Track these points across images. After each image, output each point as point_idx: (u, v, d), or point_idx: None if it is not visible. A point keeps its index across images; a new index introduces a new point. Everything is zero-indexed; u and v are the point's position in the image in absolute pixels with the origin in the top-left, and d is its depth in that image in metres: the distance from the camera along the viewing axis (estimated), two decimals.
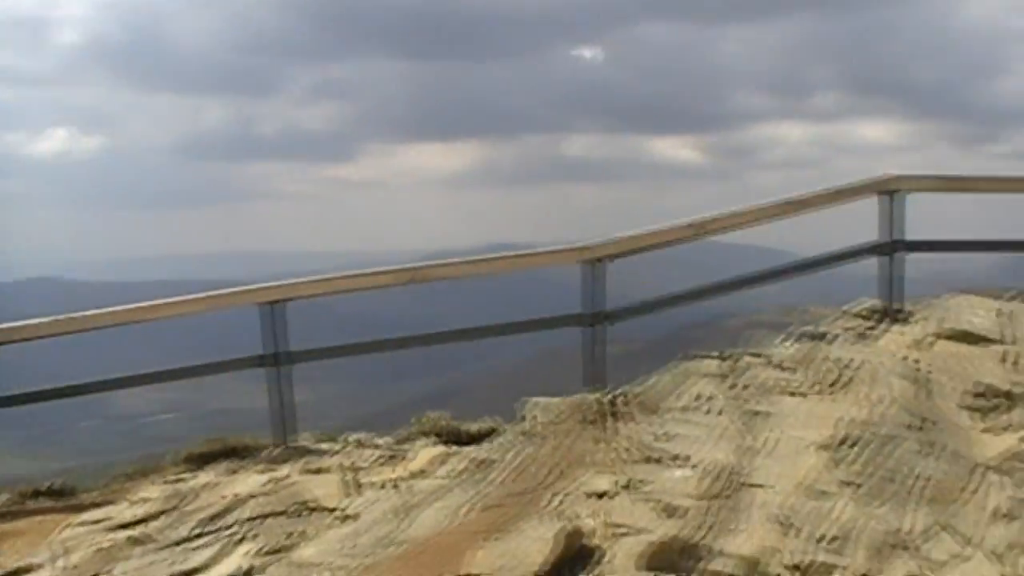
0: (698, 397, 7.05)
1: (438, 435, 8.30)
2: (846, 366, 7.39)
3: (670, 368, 7.86)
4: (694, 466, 5.92)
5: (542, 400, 7.22)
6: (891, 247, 8.71)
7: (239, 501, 6.70)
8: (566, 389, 8.66)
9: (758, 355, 8.23)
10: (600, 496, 5.66)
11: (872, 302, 9.20)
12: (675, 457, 6.09)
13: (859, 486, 5.63)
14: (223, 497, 6.87)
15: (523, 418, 7.12)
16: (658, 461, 6.08)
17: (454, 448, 7.71)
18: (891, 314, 8.71)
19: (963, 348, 7.67)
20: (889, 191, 8.59)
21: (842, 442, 6.02)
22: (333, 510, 6.36)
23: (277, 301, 7.99)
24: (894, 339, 8.24)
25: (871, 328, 8.61)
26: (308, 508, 6.47)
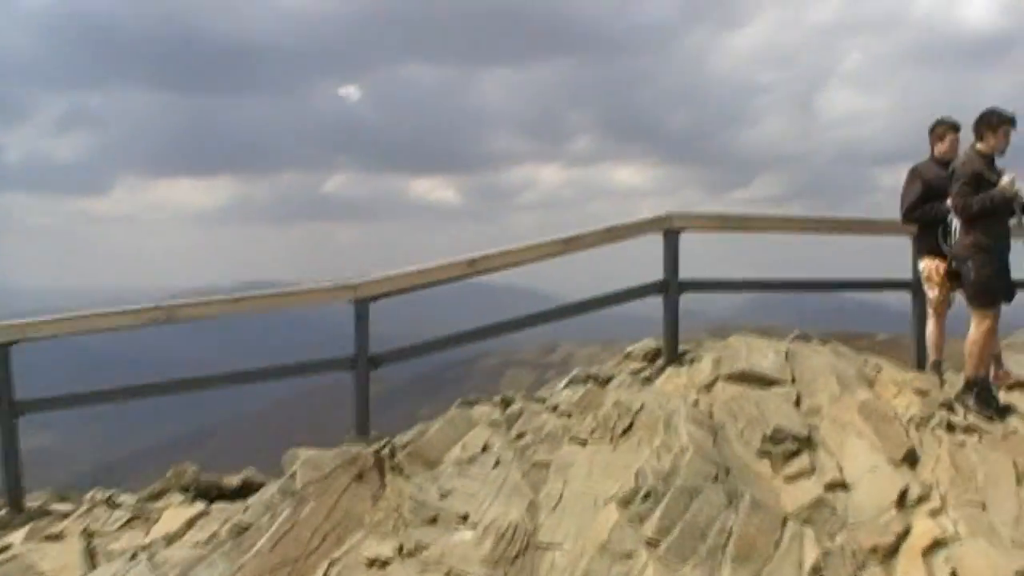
0: (479, 448, 6.56)
1: (189, 489, 7.53)
2: (630, 410, 7.05)
3: (445, 415, 7.38)
4: (478, 526, 5.42)
5: (307, 452, 6.60)
6: (670, 286, 8.46)
7: None
8: (330, 431, 8.05)
9: (539, 400, 7.86)
10: (378, 564, 5.08)
11: (651, 343, 8.98)
12: (458, 516, 5.57)
13: (663, 544, 5.20)
14: None
15: (286, 472, 6.52)
16: (439, 522, 5.54)
17: (208, 506, 6.97)
18: (671, 355, 8.47)
19: (749, 391, 7.43)
20: (670, 229, 8.35)
21: (638, 495, 5.58)
22: None
23: (4, 344, 7.06)
24: (677, 381, 7.98)
25: (653, 371, 8.36)
26: None
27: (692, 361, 8.30)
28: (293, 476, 5.96)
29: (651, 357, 8.79)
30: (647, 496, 5.53)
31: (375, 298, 7.62)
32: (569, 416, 7.25)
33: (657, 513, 5.40)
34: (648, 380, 8.13)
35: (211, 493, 7.54)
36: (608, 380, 8.20)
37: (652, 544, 5.20)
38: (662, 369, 8.34)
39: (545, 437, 6.83)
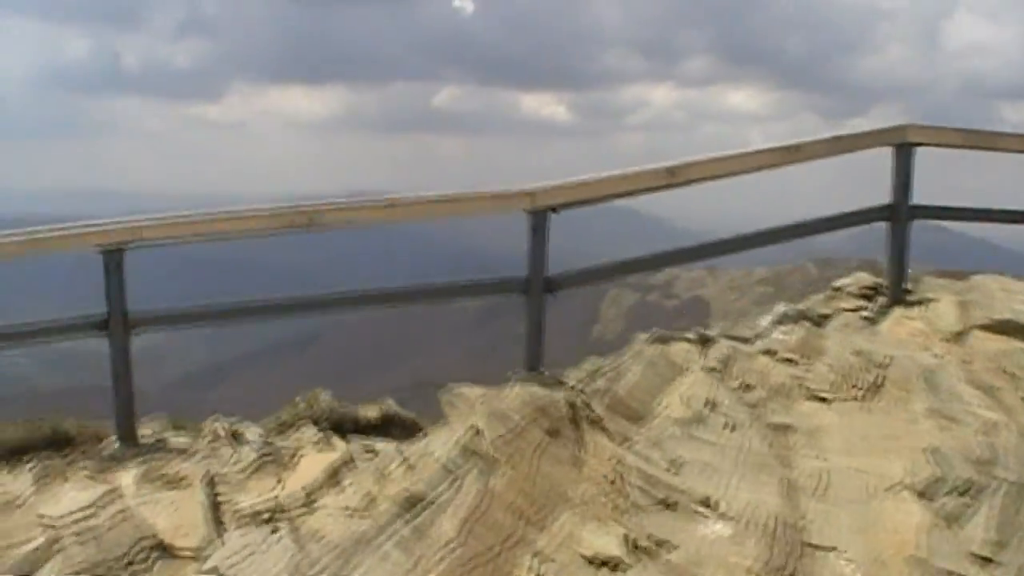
0: (701, 402, 5.18)
1: (321, 421, 6.29)
2: (874, 362, 5.64)
3: (634, 350, 6.05)
4: (731, 517, 4.06)
5: (475, 391, 5.32)
6: (900, 211, 7.04)
7: (47, 539, 4.39)
8: (477, 359, 6.82)
9: (744, 339, 6.46)
10: (605, 564, 3.74)
11: (866, 277, 7.59)
12: (699, 500, 4.21)
13: (999, 563, 3.75)
14: (23, 527, 4.64)
15: (449, 416, 5.25)
16: (675, 506, 4.18)
17: (348, 446, 5.72)
18: (897, 294, 7.07)
19: (1016, 344, 5.97)
20: (903, 143, 6.89)
21: (943, 485, 4.16)
22: (187, 557, 4.31)
23: (116, 246, 5.79)
24: (910, 326, 6.57)
25: (873, 311, 6.98)
26: (149, 552, 4.33)
27: (924, 303, 6.90)
28: (476, 431, 4.55)
29: (868, 294, 7.35)
30: (962, 491, 4.10)
31: (555, 208, 6.22)
32: (793, 363, 5.87)
33: (981, 516, 3.97)
34: (872, 323, 6.74)
35: (346, 426, 6.30)
36: (822, 319, 6.81)
37: (984, 562, 3.76)
38: (886, 310, 6.97)
39: (774, 390, 5.46)
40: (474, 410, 4.94)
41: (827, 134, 7.04)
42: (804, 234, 7.35)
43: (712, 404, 5.13)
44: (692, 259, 7.70)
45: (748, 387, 5.49)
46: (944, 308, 6.70)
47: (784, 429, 4.98)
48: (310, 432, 6.14)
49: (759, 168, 6.74)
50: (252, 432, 6.21)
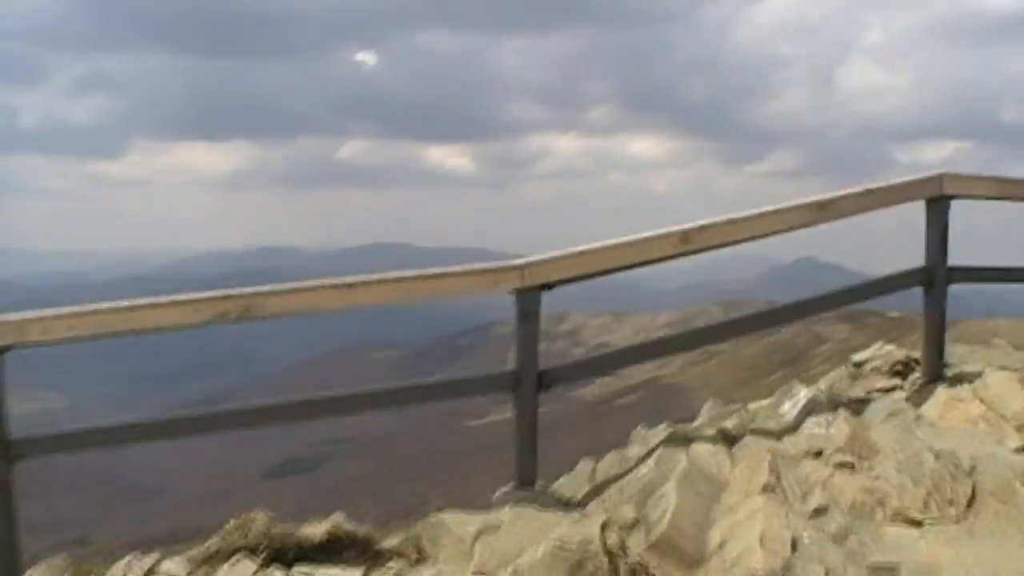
0: (777, 543, 3.99)
1: (259, 550, 4.97)
2: (960, 468, 4.54)
3: (657, 459, 4.92)
4: None
5: (477, 531, 4.16)
6: (939, 275, 6.06)
7: None
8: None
9: (771, 433, 5.34)
10: None
11: (894, 352, 6.59)
12: None
13: None
14: None
15: (425, 545, 4.08)
16: None
17: None
18: (935, 371, 6.04)
19: None
20: (938, 196, 5.91)
21: None
22: None
23: None
24: (968, 411, 5.52)
25: (909, 390, 5.99)
26: None
27: (967, 379, 5.86)
28: None
29: (899, 370, 6.40)
30: None
31: (549, 286, 5.18)
32: (852, 468, 4.75)
33: None
34: (913, 405, 5.67)
35: (288, 553, 5.01)
36: (858, 405, 5.76)
37: None
38: (927, 390, 5.91)
39: (853, 512, 4.32)
40: (472, 553, 3.75)
41: (858, 188, 5.89)
42: (832, 306, 6.38)
43: (794, 544, 3.94)
44: (713, 340, 6.51)
45: (819, 510, 4.33)
46: (999, 385, 5.66)
47: (889, 572, 3.82)
48: (245, 567, 4.84)
49: (785, 230, 5.66)
50: (174, 566, 4.88)
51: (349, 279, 5.08)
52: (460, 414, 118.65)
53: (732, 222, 5.58)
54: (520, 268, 5.09)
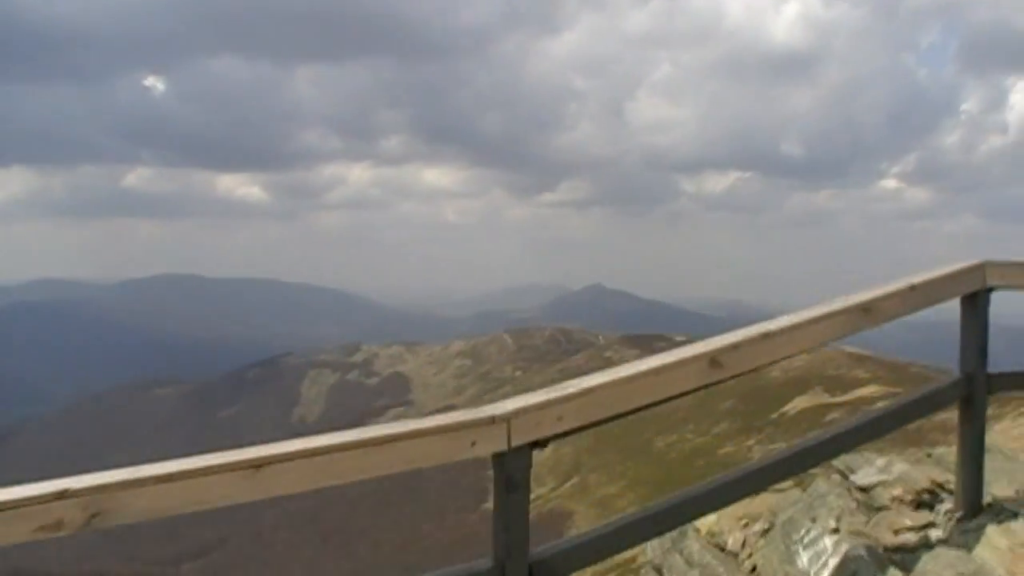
0: None
1: None
2: None
3: None
4: None
5: None
6: (979, 385, 5.00)
7: None
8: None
9: None
10: None
11: (918, 477, 5.38)
12: None
13: None
14: None
15: None
16: None
17: None
18: (974, 502, 4.97)
19: None
20: (980, 289, 4.92)
21: None
22: None
23: None
24: None
25: (953, 530, 4.84)
26: None
27: (1011, 512, 4.77)
28: None
29: (924, 499, 5.22)
30: None
31: (542, 443, 3.81)
32: None
33: None
34: (964, 550, 4.65)
35: None
36: (900, 556, 4.74)
37: None
38: (969, 527, 4.87)
39: None
40: None
41: (901, 284, 4.64)
42: (872, 437, 4.96)
43: None
44: (746, 493, 4.87)
45: None
46: None
47: None
48: None
49: (827, 341, 4.50)
50: None
51: (253, 458, 3.16)
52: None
53: (767, 337, 4.47)
54: (504, 420, 3.65)
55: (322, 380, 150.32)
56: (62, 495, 2.77)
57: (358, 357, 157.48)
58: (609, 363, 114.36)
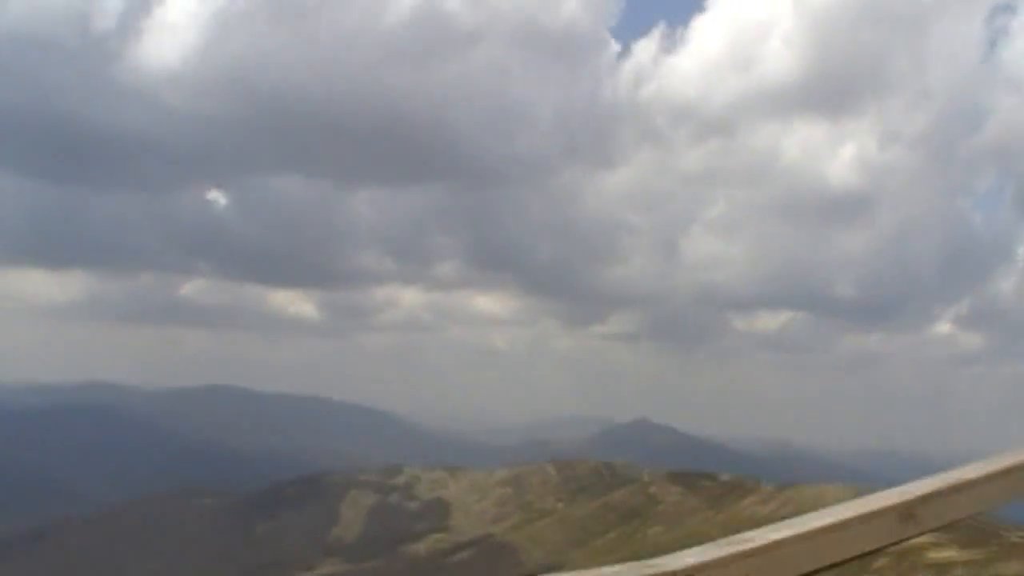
0: None
1: None
2: None
3: None
4: None
5: None
6: None
7: None
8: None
9: None
10: None
11: None
12: None
13: None
14: None
15: None
16: None
17: None
18: None
19: None
20: None
21: None
22: None
23: None
24: None
25: None
26: None
27: None
28: None
29: None
30: None
31: None
32: None
33: None
34: None
35: None
36: None
37: None
38: None
39: None
40: None
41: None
42: None
43: None
44: None
45: None
46: None
47: None
48: None
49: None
50: None
51: None
52: (288, 565, 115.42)
53: (965, 486, 3.87)
54: None
55: (362, 501, 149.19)
56: None
57: (400, 479, 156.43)
58: (653, 499, 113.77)
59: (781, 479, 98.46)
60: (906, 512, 3.62)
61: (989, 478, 3.82)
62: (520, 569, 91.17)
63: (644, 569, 3.01)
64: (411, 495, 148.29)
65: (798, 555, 3.25)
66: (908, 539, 3.66)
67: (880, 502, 3.63)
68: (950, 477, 3.79)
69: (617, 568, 2.95)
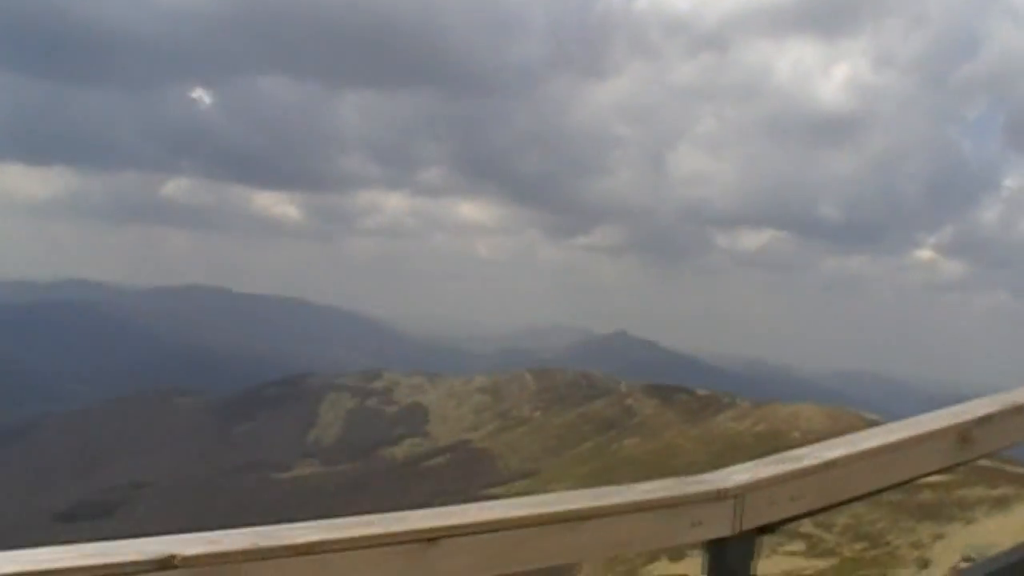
0: None
1: None
2: None
3: None
4: None
5: None
6: None
7: None
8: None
9: None
10: None
11: None
12: None
13: None
14: None
15: None
16: None
17: None
18: None
19: None
20: None
21: None
22: None
23: None
24: None
25: None
26: None
27: None
28: None
29: None
30: None
31: (771, 528, 2.98)
32: None
33: None
34: None
35: None
36: None
37: None
38: None
39: None
40: None
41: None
42: None
43: None
44: None
45: None
46: None
47: None
48: None
49: None
50: None
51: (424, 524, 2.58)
52: (266, 466, 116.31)
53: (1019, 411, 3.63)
54: (733, 495, 2.85)
55: (341, 404, 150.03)
56: (167, 564, 2.17)
57: (379, 384, 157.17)
58: (630, 411, 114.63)
59: (757, 396, 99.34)
60: (963, 434, 3.42)
61: None
62: (495, 476, 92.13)
63: (691, 486, 2.84)
64: (390, 400, 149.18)
65: (853, 475, 3.08)
66: (965, 463, 3.49)
67: (935, 423, 3.44)
68: (1005, 399, 3.59)
69: (661, 482, 2.80)
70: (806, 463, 2.94)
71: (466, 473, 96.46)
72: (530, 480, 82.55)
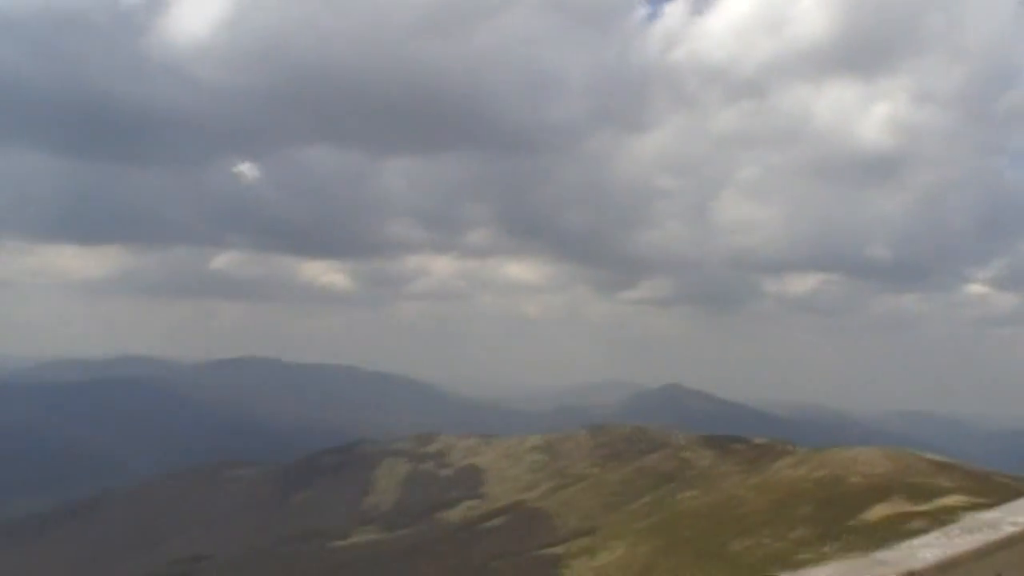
0: None
1: None
2: None
3: None
4: None
5: None
6: None
7: None
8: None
9: None
10: None
11: None
12: None
13: None
14: None
15: None
16: None
17: None
18: None
19: None
20: None
21: None
22: None
23: None
24: None
25: None
26: None
27: None
28: None
29: None
30: None
31: None
32: None
33: None
34: None
35: None
36: None
37: None
38: None
39: None
40: None
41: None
42: None
43: None
44: None
45: None
46: None
47: None
48: None
49: None
50: None
51: None
52: (324, 534, 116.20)
53: None
54: None
55: (396, 469, 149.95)
56: None
57: (433, 448, 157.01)
58: (686, 463, 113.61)
59: (814, 442, 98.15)
60: None
61: None
62: (553, 535, 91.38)
63: (872, 568, 2.47)
64: (445, 463, 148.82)
65: None
66: None
67: None
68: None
69: (834, 567, 2.35)
70: (1008, 531, 2.38)
71: (524, 534, 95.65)
72: (589, 538, 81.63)
